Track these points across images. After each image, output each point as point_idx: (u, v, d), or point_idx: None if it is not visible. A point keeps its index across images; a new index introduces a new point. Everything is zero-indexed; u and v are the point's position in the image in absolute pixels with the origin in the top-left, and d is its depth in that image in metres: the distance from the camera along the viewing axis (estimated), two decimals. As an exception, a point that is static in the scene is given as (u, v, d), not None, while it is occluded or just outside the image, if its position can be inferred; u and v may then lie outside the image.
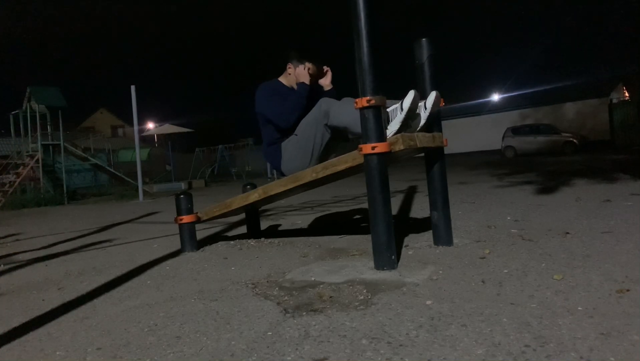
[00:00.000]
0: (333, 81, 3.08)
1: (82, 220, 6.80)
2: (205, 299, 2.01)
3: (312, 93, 2.97)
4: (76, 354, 1.52)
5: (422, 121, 2.46)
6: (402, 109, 2.39)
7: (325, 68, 3.04)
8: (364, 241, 2.88)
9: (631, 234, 2.57)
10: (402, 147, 2.20)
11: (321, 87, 3.08)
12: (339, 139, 2.92)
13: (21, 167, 13.94)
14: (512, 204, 4.32)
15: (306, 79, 2.96)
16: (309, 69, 2.99)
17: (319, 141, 2.83)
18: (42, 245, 4.28)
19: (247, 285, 2.18)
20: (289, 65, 3.07)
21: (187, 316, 1.79)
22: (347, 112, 2.64)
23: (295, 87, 3.04)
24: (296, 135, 2.92)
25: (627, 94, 25.94)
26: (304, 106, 2.91)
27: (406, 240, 2.85)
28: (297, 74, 3.01)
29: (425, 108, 2.43)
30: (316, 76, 3.06)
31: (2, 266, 3.31)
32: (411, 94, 2.37)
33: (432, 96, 2.42)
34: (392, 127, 2.41)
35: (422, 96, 2.52)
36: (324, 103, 2.78)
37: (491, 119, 28.29)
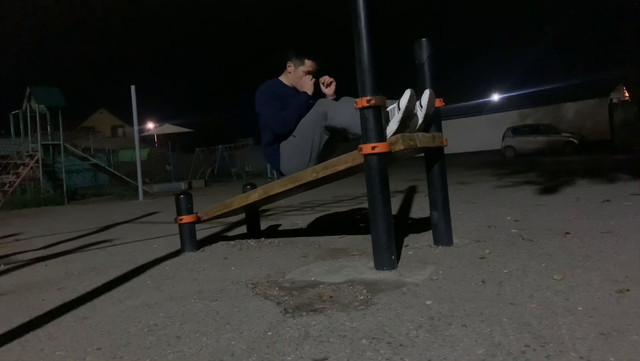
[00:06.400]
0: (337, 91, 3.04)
1: (82, 220, 6.80)
2: (205, 299, 2.01)
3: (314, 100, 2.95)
4: (76, 354, 1.52)
5: (420, 120, 2.47)
6: (399, 108, 2.40)
7: (330, 79, 3.00)
8: (364, 241, 2.88)
9: (631, 234, 2.57)
10: (402, 147, 2.20)
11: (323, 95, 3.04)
12: (339, 140, 2.93)
13: (21, 167, 13.94)
14: (512, 204, 4.32)
15: (309, 90, 2.95)
16: (310, 75, 2.96)
17: (317, 142, 2.85)
18: (42, 245, 4.28)
19: (247, 285, 2.18)
20: (289, 64, 3.06)
21: (187, 316, 1.79)
22: (345, 113, 2.65)
23: (297, 87, 3.04)
24: (294, 136, 2.93)
25: (627, 94, 25.91)
26: (302, 115, 2.90)
27: (406, 240, 2.85)
28: (302, 82, 2.99)
29: (422, 107, 2.44)
30: (316, 75, 3.03)
31: (2, 266, 3.31)
32: (407, 93, 2.38)
33: (426, 94, 2.43)
34: (391, 127, 2.42)
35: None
36: (321, 104, 2.79)
37: (491, 119, 28.29)
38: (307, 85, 2.96)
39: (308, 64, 3.03)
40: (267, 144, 3.07)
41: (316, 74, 3.04)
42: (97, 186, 17.69)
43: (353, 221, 4.26)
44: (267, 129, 3.02)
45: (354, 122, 2.40)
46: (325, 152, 2.89)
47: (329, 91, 3.00)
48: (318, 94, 3.00)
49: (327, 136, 2.82)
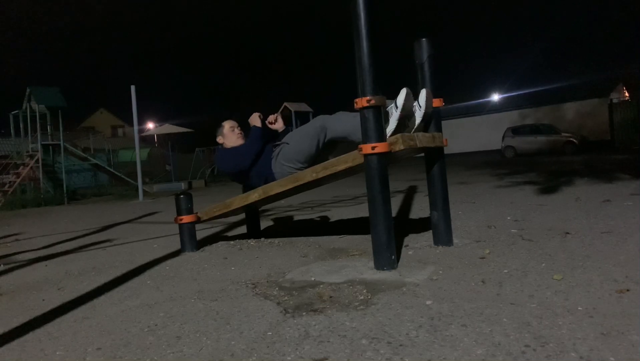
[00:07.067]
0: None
1: (82, 220, 6.80)
2: (205, 299, 2.01)
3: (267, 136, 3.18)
4: (76, 354, 1.52)
5: (418, 120, 2.48)
6: (397, 107, 2.42)
7: (274, 116, 3.25)
8: (364, 241, 2.88)
9: (631, 234, 2.57)
10: (402, 147, 2.20)
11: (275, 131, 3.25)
12: (336, 145, 2.96)
13: (21, 167, 13.94)
14: (512, 204, 4.32)
15: (258, 123, 3.15)
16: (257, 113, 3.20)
17: (314, 152, 2.90)
18: (42, 245, 4.28)
19: (247, 285, 2.18)
20: (218, 138, 3.31)
21: (187, 316, 1.80)
22: (344, 122, 2.76)
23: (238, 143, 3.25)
24: (288, 143, 2.95)
25: (627, 94, 25.92)
26: (258, 148, 3.09)
27: (406, 240, 2.85)
28: (250, 120, 3.20)
29: (420, 106, 2.45)
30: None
31: (2, 266, 3.31)
32: (403, 92, 2.41)
33: (423, 93, 2.45)
34: (390, 126, 2.44)
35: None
36: (319, 119, 2.89)
37: (491, 119, 28.27)
38: (254, 119, 3.17)
39: (226, 125, 3.30)
40: (253, 175, 3.12)
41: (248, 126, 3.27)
42: (97, 186, 17.67)
43: (353, 221, 4.26)
44: (239, 173, 3.19)
45: (355, 128, 2.44)
46: (322, 157, 2.89)
47: (278, 125, 3.24)
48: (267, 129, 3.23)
49: (322, 147, 2.88)
